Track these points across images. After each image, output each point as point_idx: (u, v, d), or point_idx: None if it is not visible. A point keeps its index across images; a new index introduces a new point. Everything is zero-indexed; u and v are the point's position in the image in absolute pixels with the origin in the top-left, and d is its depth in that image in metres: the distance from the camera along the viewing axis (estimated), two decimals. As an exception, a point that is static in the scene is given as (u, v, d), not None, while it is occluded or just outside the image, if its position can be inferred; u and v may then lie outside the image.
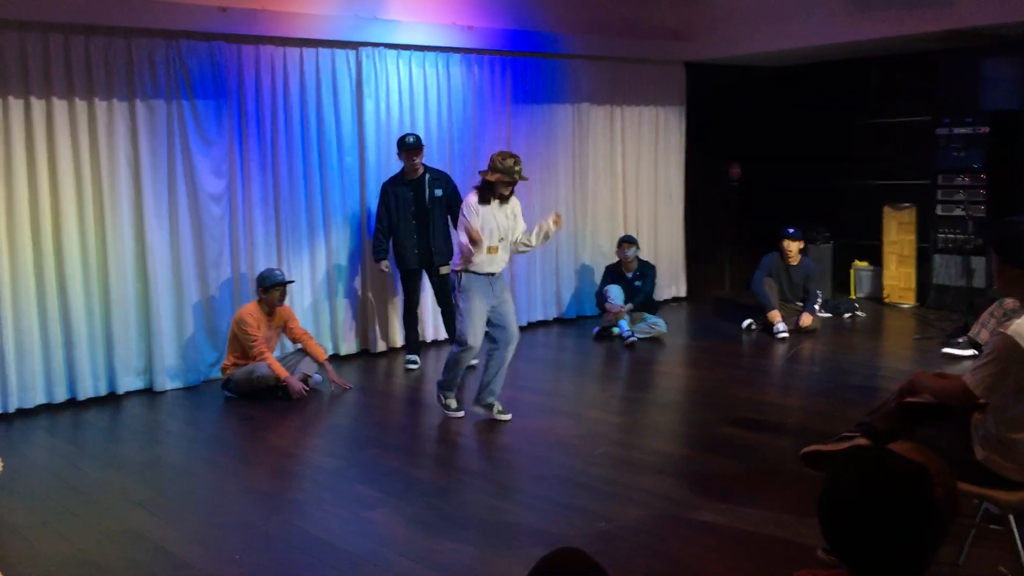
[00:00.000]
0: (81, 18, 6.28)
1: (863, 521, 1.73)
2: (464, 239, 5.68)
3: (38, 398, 6.40)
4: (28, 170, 6.26)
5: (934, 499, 1.74)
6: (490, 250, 5.73)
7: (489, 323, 5.84)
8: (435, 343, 8.26)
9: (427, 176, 7.35)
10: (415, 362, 7.54)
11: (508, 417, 5.91)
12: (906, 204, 9.60)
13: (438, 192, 7.35)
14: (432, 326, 8.29)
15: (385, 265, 7.43)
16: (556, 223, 5.87)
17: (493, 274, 5.79)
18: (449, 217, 7.42)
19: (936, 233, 9.09)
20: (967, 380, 3.26)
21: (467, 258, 5.70)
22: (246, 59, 7.13)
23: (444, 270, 7.26)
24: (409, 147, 7.24)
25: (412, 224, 7.34)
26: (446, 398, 6.05)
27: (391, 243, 7.43)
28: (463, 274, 5.74)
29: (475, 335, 5.77)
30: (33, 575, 3.87)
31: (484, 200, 5.75)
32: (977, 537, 3.66)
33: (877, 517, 1.72)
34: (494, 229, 5.75)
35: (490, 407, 5.92)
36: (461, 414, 6.00)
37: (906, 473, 1.75)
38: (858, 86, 10.33)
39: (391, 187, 7.36)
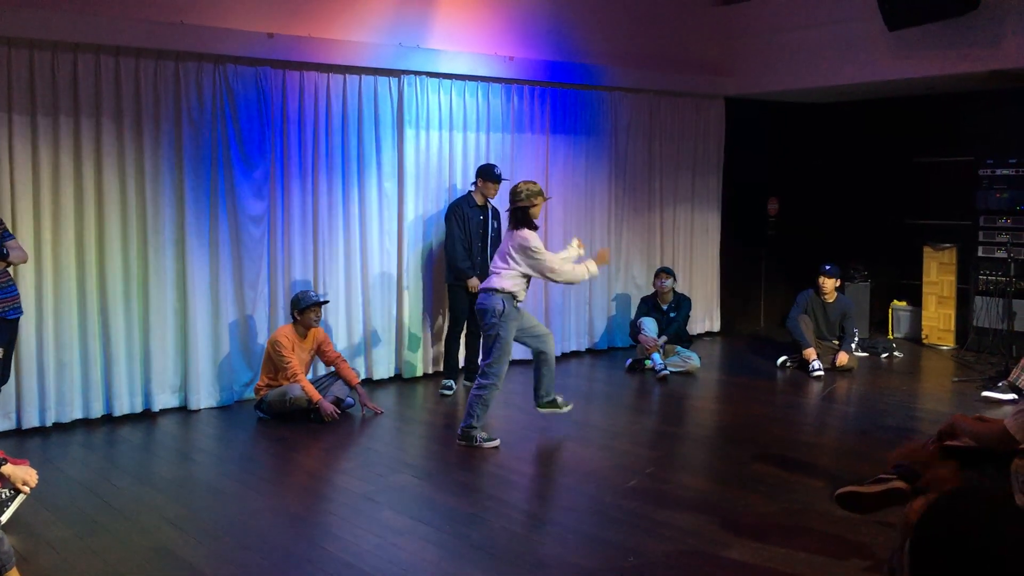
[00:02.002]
0: (133, 42, 6.43)
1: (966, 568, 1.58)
2: (562, 270, 5.94)
3: (75, 413, 6.49)
4: (75, 188, 6.40)
5: None
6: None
7: (523, 339, 6.15)
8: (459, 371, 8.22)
9: (489, 206, 7.64)
10: (451, 388, 7.58)
11: (571, 407, 6.38)
12: (947, 244, 9.49)
13: (495, 224, 7.66)
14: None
15: (476, 282, 7.38)
16: (604, 261, 6.29)
17: (522, 303, 6.10)
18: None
19: (977, 274, 8.97)
20: (1008, 424, 3.20)
21: (516, 291, 5.93)
22: (290, 84, 7.25)
23: None
24: (497, 179, 7.57)
25: (478, 247, 7.58)
26: (478, 434, 6.01)
27: (447, 263, 7.65)
28: (507, 302, 5.90)
29: (504, 370, 6.01)
30: (64, 588, 3.91)
31: (528, 227, 6.02)
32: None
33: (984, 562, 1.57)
34: None
35: (554, 403, 6.26)
36: (497, 442, 6.03)
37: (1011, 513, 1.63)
38: (901, 125, 10.26)
39: (463, 208, 7.55)
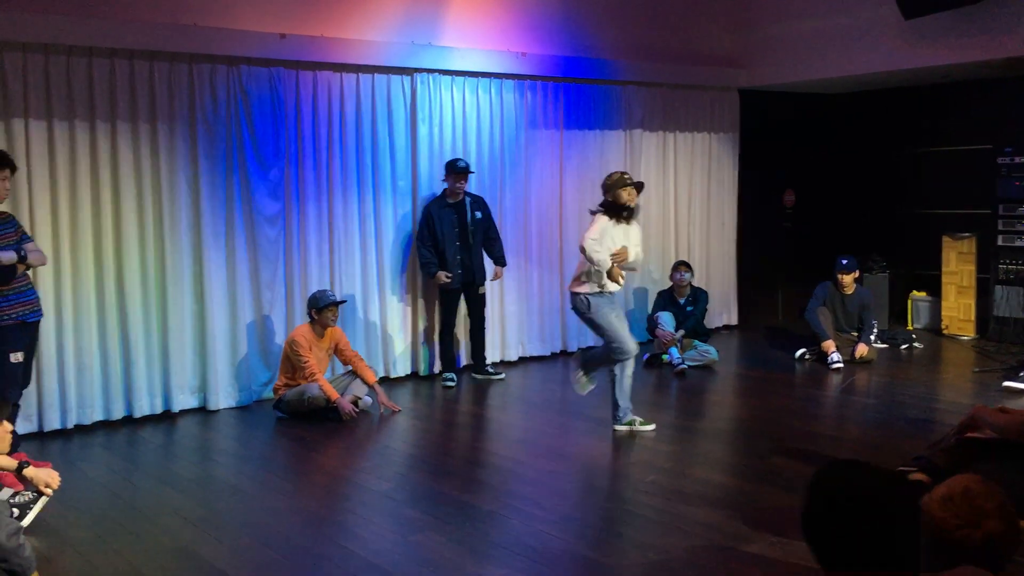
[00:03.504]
0: (146, 44, 6.46)
1: (846, 535, 1.72)
2: (600, 256, 5.84)
3: (96, 415, 6.54)
4: (92, 191, 6.44)
5: (915, 508, 1.73)
6: (618, 274, 6.00)
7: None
8: (467, 367, 8.22)
9: (467, 199, 7.62)
10: (452, 380, 7.70)
11: (652, 427, 6.19)
12: (966, 234, 9.41)
13: (479, 215, 7.66)
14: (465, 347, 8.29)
15: (445, 275, 7.55)
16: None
17: (613, 293, 6.07)
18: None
19: (997, 264, 8.90)
20: (1031, 416, 3.17)
21: (596, 281, 5.93)
22: (304, 84, 7.27)
23: (482, 290, 7.78)
24: (459, 171, 7.51)
25: (456, 245, 7.58)
26: (584, 373, 6.24)
27: (420, 253, 7.71)
28: (590, 298, 5.95)
29: (629, 340, 6.00)
30: (88, 589, 3.94)
31: (615, 219, 5.98)
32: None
33: (860, 529, 1.70)
34: (627, 246, 6.02)
35: (632, 423, 6.16)
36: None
37: (885, 484, 1.75)
38: (917, 114, 10.18)
39: (435, 208, 7.58)
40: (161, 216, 6.70)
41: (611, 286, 6.02)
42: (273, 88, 7.08)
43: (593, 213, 6.10)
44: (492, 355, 8.18)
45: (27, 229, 6.06)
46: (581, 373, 6.35)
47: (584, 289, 6.01)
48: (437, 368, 8.07)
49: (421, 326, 8.00)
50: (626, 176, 6.05)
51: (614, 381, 6.14)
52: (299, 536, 4.49)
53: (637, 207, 6.11)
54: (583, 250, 5.92)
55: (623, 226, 6.03)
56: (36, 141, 6.19)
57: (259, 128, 7.05)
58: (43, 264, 5.79)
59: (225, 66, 6.86)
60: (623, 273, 6.09)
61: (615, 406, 6.19)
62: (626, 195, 5.98)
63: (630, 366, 6.12)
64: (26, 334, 5.52)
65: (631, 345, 6.03)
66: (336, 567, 4.11)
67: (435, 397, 7.56)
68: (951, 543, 1.90)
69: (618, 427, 6.18)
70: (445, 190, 7.63)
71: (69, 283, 6.36)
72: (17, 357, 5.40)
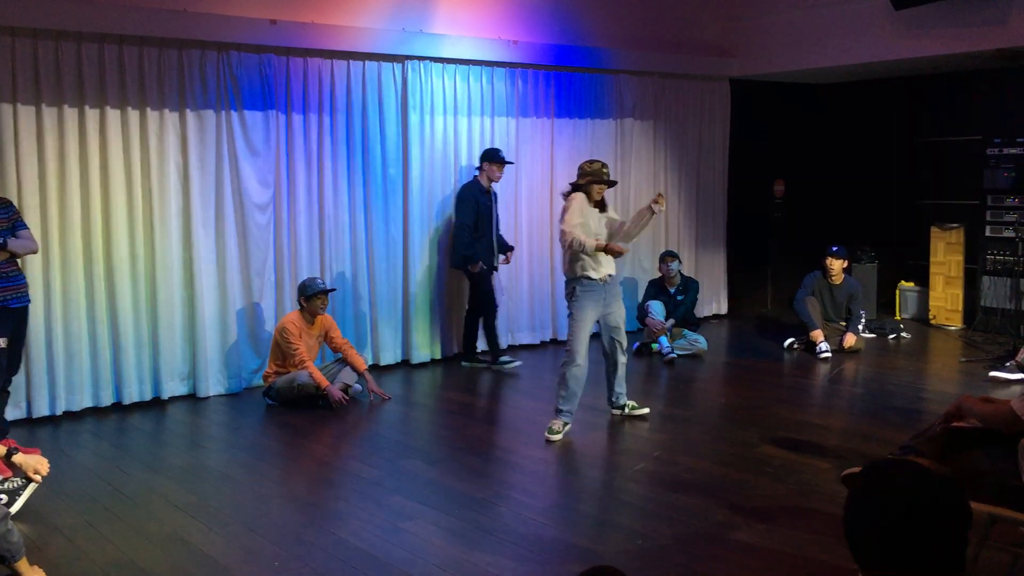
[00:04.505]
0: (136, 30, 6.42)
1: (895, 533, 1.69)
2: (578, 237, 5.66)
3: (85, 401, 6.52)
4: (81, 177, 6.41)
5: (965, 506, 1.70)
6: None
7: (597, 331, 6.08)
8: (458, 355, 8.23)
9: (492, 190, 7.87)
10: (510, 360, 7.92)
11: (646, 411, 6.25)
12: (954, 224, 9.45)
13: (496, 208, 7.92)
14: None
15: (483, 264, 7.75)
16: (658, 203, 5.80)
17: (604, 279, 5.87)
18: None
19: (985, 254, 8.95)
20: (1015, 405, 3.20)
21: (582, 264, 5.79)
22: (294, 71, 7.24)
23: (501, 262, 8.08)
24: (503, 161, 7.78)
25: (490, 229, 7.79)
26: (553, 422, 5.88)
27: (454, 248, 7.88)
28: (577, 286, 5.85)
29: (582, 350, 5.88)
30: (76, 575, 3.94)
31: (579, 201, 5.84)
32: (1024, 566, 3.58)
33: (909, 529, 1.68)
34: (596, 232, 5.85)
35: (623, 408, 6.19)
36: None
37: (936, 483, 1.72)
38: (907, 104, 10.21)
39: (477, 195, 7.73)
40: (151, 202, 6.67)
41: (607, 267, 5.87)
42: (263, 74, 7.05)
43: (566, 196, 5.94)
44: (481, 344, 8.18)
45: (15, 215, 6.04)
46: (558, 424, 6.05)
47: (576, 273, 5.86)
48: (427, 357, 8.08)
49: (411, 313, 8.00)
50: (605, 171, 5.88)
51: (614, 368, 6.15)
52: (289, 523, 4.50)
53: (604, 200, 5.98)
54: (564, 235, 5.73)
55: (598, 215, 5.91)
56: (25, 127, 6.16)
57: (249, 115, 7.02)
58: (33, 252, 5.74)
59: (215, 52, 6.82)
60: (621, 246, 5.83)
61: (610, 390, 6.22)
62: (596, 191, 5.86)
63: (579, 372, 5.90)
64: (14, 320, 5.49)
65: (581, 358, 5.86)
66: (326, 554, 4.12)
67: (425, 385, 7.57)
68: None
69: (614, 411, 6.24)
70: (478, 177, 7.79)
71: (58, 269, 6.34)
72: (1, 343, 5.37)
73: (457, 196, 7.86)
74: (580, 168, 5.97)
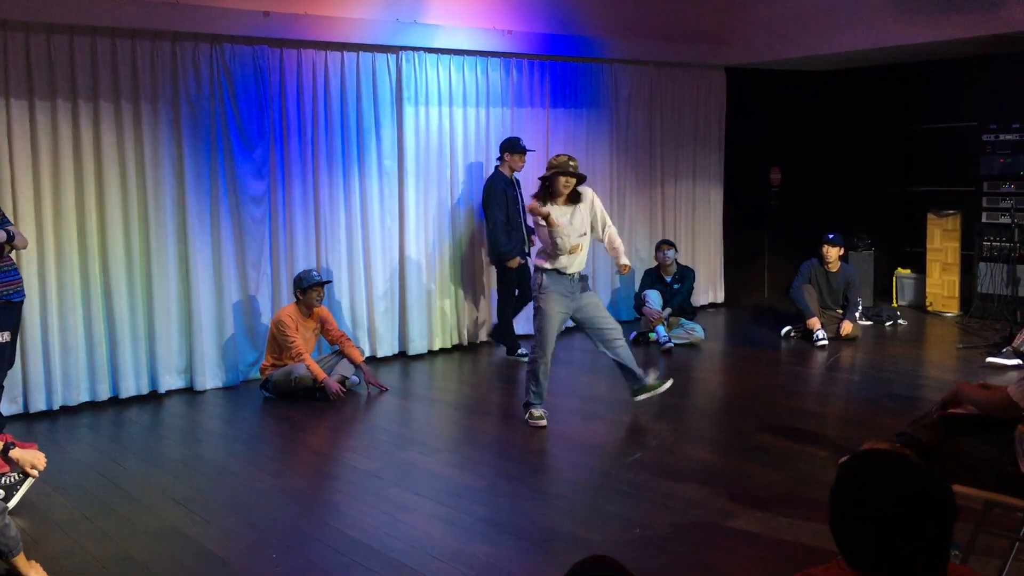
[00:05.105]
0: (128, 23, 6.39)
1: (881, 523, 1.69)
2: (544, 234, 5.73)
3: (82, 395, 6.52)
4: (75, 171, 6.38)
5: (949, 497, 1.70)
6: (572, 249, 5.77)
7: (584, 328, 6.04)
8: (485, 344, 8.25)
9: (515, 179, 7.76)
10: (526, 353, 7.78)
11: (669, 384, 6.20)
12: (950, 211, 9.45)
13: (522, 196, 7.71)
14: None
15: (520, 259, 7.65)
16: (621, 273, 6.19)
17: (574, 275, 5.86)
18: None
19: (981, 241, 8.95)
20: (1011, 392, 3.20)
21: (552, 255, 5.77)
22: (288, 63, 7.21)
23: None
24: (524, 150, 7.70)
25: (519, 220, 7.67)
26: (533, 410, 5.92)
27: (489, 244, 7.80)
28: (543, 273, 5.82)
29: (550, 343, 5.84)
30: (73, 569, 3.94)
31: (542, 200, 5.79)
32: (1021, 551, 3.59)
33: (894, 519, 1.68)
34: (570, 227, 5.77)
35: (645, 390, 6.11)
36: (544, 423, 5.92)
37: (921, 474, 1.73)
38: (903, 91, 10.19)
39: (504, 187, 7.63)
40: (145, 196, 6.65)
41: (565, 262, 5.77)
42: (257, 66, 7.02)
43: (541, 179, 5.90)
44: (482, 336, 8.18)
45: (10, 210, 6.03)
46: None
47: (540, 264, 5.84)
48: (424, 349, 8.08)
49: (407, 305, 7.99)
50: (572, 164, 5.76)
51: (615, 352, 6.07)
52: (286, 515, 4.50)
53: (581, 193, 5.85)
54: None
55: (567, 208, 5.79)
56: (17, 120, 6.13)
57: (243, 107, 6.99)
58: (25, 247, 5.75)
59: (208, 44, 6.79)
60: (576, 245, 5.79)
61: (631, 376, 6.11)
62: (563, 184, 5.75)
63: (544, 364, 5.87)
64: (10, 314, 5.49)
65: (547, 352, 5.84)
66: (324, 546, 4.12)
67: (422, 377, 7.57)
68: None
69: (638, 397, 6.14)
70: (500, 168, 7.72)
71: (53, 263, 6.32)
72: (4, 336, 5.39)
73: (484, 191, 7.77)
74: (548, 162, 5.92)
